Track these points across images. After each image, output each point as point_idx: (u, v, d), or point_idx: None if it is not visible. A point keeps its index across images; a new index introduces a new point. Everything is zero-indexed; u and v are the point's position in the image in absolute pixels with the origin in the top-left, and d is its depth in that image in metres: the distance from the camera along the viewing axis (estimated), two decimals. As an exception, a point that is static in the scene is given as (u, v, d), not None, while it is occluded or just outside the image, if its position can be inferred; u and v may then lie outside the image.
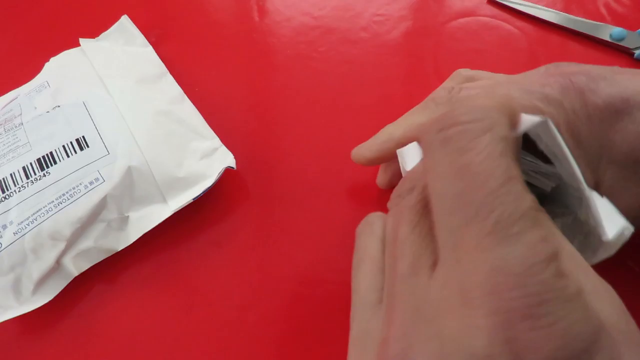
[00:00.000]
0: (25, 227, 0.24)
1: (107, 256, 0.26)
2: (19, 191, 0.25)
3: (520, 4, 0.36)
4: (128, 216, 0.26)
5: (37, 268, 0.24)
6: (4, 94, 0.32)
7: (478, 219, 0.12)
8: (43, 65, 0.32)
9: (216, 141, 0.29)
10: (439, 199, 0.13)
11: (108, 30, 0.35)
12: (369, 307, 0.15)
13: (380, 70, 0.34)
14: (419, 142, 0.16)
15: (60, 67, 0.32)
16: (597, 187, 0.20)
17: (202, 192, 0.27)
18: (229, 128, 0.31)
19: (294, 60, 0.35)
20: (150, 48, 0.33)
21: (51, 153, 0.26)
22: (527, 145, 0.18)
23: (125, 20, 0.35)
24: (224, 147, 0.29)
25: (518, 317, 0.11)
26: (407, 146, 0.20)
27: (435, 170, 0.13)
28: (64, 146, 0.26)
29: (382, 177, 0.27)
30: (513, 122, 0.14)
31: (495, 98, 0.14)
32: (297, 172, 0.30)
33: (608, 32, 0.34)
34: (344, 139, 0.30)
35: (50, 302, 0.25)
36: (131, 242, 0.26)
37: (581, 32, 0.34)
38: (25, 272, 0.24)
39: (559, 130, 0.17)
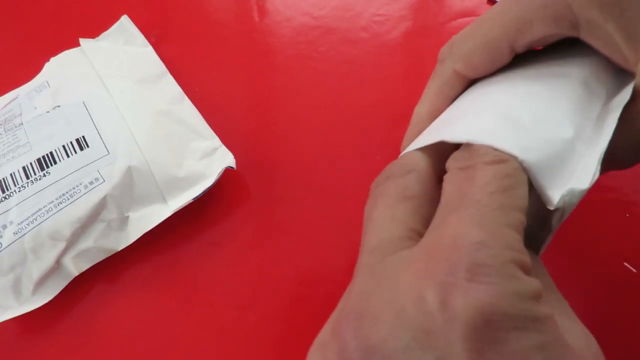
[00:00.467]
0: (25, 227, 0.24)
1: (107, 256, 0.26)
2: (19, 191, 0.25)
3: (520, 4, 0.36)
4: (128, 216, 0.26)
5: (37, 268, 0.24)
6: (4, 94, 0.32)
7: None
8: (43, 65, 0.32)
9: (216, 141, 0.29)
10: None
11: (108, 30, 0.35)
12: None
13: (380, 70, 0.34)
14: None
15: (60, 67, 0.32)
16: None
17: (202, 192, 0.27)
18: (229, 128, 0.31)
19: (294, 60, 0.35)
20: (150, 48, 0.33)
21: (51, 153, 0.26)
22: None
23: (125, 20, 0.35)
24: (224, 147, 0.29)
25: (462, 269, 0.11)
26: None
27: None
28: (64, 146, 0.26)
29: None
30: None
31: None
32: (297, 172, 0.30)
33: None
34: (343, 139, 0.30)
35: (50, 302, 0.25)
36: (131, 242, 0.26)
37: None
38: (25, 272, 0.24)
39: None
